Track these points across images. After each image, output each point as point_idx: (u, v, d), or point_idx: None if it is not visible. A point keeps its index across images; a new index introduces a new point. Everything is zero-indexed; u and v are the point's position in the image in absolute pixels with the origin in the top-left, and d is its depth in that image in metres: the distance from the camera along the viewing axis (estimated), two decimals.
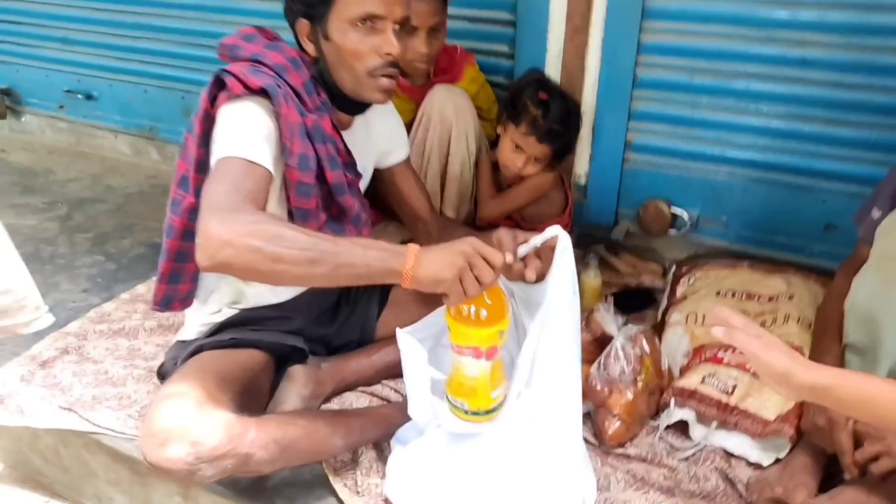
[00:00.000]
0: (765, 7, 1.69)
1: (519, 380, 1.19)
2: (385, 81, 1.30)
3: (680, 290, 1.73)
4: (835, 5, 1.63)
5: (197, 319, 1.45)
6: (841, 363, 1.29)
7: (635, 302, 1.84)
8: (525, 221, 1.92)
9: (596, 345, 1.50)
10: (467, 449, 1.22)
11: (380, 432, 1.33)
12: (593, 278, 1.76)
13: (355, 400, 1.50)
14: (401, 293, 1.58)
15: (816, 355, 1.35)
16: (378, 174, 1.59)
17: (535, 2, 1.92)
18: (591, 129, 1.97)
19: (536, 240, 1.17)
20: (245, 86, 1.19)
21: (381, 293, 1.63)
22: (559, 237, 1.16)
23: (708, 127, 1.85)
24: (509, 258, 1.14)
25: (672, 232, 1.95)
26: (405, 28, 1.30)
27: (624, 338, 1.42)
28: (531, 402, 1.19)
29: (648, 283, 1.90)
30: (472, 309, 1.13)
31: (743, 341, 0.93)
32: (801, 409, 1.32)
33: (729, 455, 1.37)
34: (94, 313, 1.82)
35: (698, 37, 1.78)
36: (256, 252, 1.01)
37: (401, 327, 1.25)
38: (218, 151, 1.16)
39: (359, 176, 1.44)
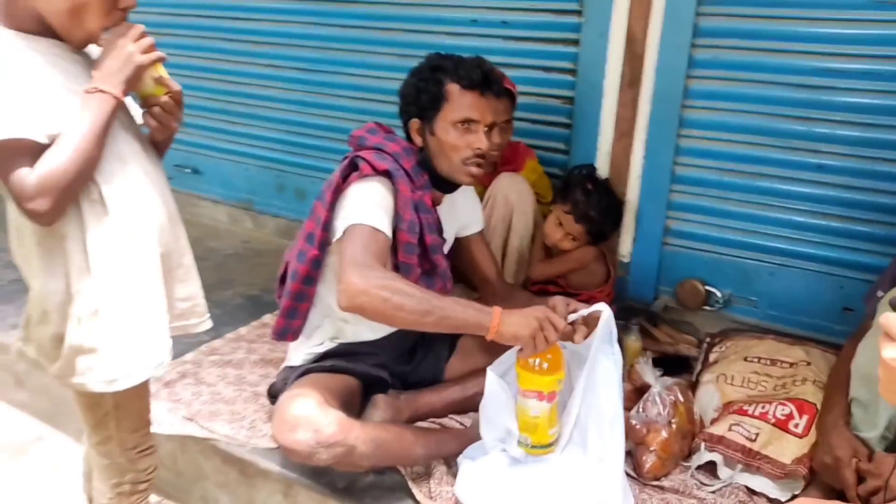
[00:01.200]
0: (784, 121, 2.01)
1: (570, 419, 1.47)
2: (474, 169, 1.66)
3: (712, 356, 1.97)
4: (843, 122, 1.94)
5: (302, 350, 1.76)
6: (848, 415, 1.52)
7: (673, 368, 2.07)
8: (571, 288, 2.20)
9: (636, 393, 1.75)
10: (529, 469, 1.48)
11: (451, 449, 1.59)
12: (634, 341, 2.02)
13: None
14: (467, 342, 1.90)
15: (827, 408, 1.58)
16: (457, 242, 1.91)
17: (588, 110, 2.28)
18: (634, 215, 2.28)
19: (584, 311, 1.49)
20: (373, 168, 1.56)
21: (450, 341, 1.93)
22: (603, 310, 1.47)
23: (737, 218, 2.15)
24: (561, 322, 1.45)
25: (706, 308, 2.21)
26: (492, 130, 1.67)
27: (661, 386, 1.67)
28: (581, 437, 1.46)
29: (684, 351, 2.13)
30: (538, 361, 1.45)
31: None
32: (813, 451, 1.54)
33: (751, 491, 1.58)
34: (206, 347, 2.14)
35: (727, 143, 2.11)
36: (385, 301, 1.36)
37: (464, 371, 1.59)
38: (351, 218, 1.50)
39: (444, 241, 1.78)
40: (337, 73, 2.80)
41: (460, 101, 1.61)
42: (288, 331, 1.73)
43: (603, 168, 2.29)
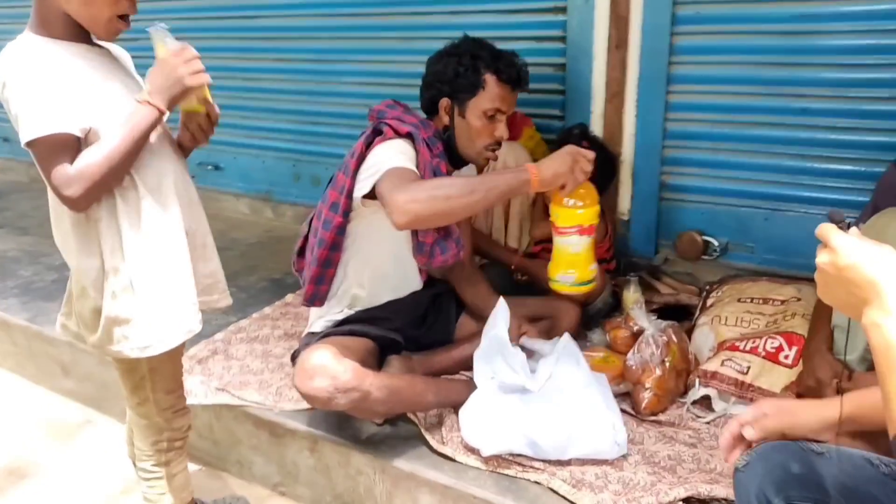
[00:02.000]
0: (767, 69, 2.07)
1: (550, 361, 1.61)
2: (491, 154, 1.81)
3: (709, 301, 2.06)
4: (824, 65, 1.99)
5: (323, 318, 1.89)
6: (830, 340, 1.59)
7: (676, 317, 2.15)
8: None
9: (632, 338, 1.85)
10: (517, 399, 1.60)
11: (461, 396, 1.70)
12: (633, 293, 2.11)
13: None
14: (474, 304, 2.01)
15: (811, 335, 1.66)
16: None
17: (579, 75, 2.37)
18: (630, 173, 2.37)
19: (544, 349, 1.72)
20: (396, 132, 1.69)
21: (457, 303, 2.05)
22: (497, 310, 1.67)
23: (729, 168, 2.22)
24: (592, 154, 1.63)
25: (705, 257, 2.29)
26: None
27: (654, 328, 1.77)
28: (560, 371, 1.59)
29: (686, 300, 2.21)
30: (573, 201, 1.64)
31: None
32: (800, 378, 1.62)
33: None
34: (234, 327, 2.30)
35: (715, 95, 2.18)
36: (434, 198, 1.50)
37: (473, 330, 1.77)
38: (384, 165, 1.59)
39: None
40: (344, 61, 2.93)
41: (495, 92, 1.74)
42: (317, 296, 1.85)
43: (597, 129, 2.38)
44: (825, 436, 1.15)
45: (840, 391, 1.50)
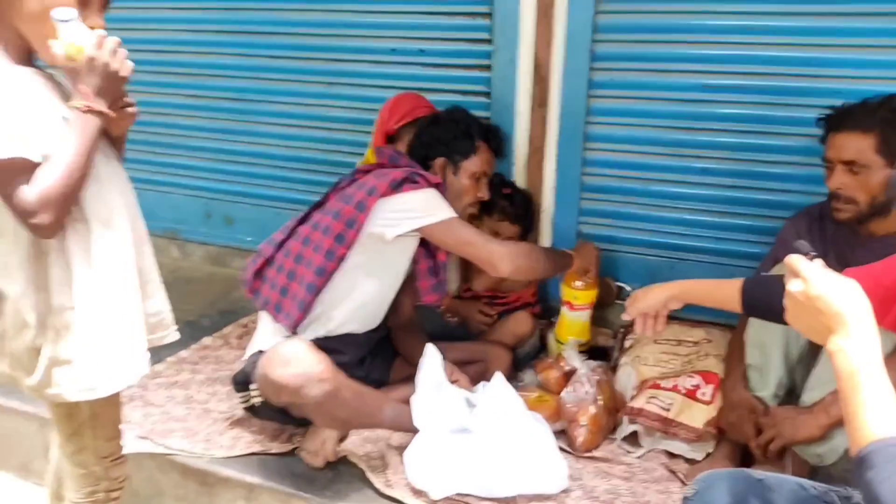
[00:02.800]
0: (672, 132, 2.29)
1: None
2: (472, 211, 2.04)
3: (627, 343, 2.20)
4: (722, 130, 2.24)
5: (275, 336, 1.82)
6: (745, 379, 1.76)
7: (594, 358, 2.28)
8: (501, 292, 2.38)
9: (563, 378, 1.95)
10: (460, 439, 1.63)
11: (411, 423, 1.70)
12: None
13: None
14: (406, 350, 2.05)
15: (727, 374, 1.83)
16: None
17: (503, 129, 2.50)
18: (551, 223, 2.51)
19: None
20: (428, 183, 1.80)
21: (393, 351, 2.07)
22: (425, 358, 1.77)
23: (639, 220, 2.41)
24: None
25: (619, 302, 2.45)
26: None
27: (587, 368, 1.87)
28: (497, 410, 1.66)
29: (602, 342, 2.36)
30: (582, 283, 2.15)
31: None
32: (720, 414, 1.77)
33: (671, 454, 1.79)
34: (150, 372, 2.15)
35: (626, 153, 2.37)
36: (531, 259, 1.94)
37: (408, 373, 1.83)
38: (438, 214, 1.81)
39: None
40: (264, 101, 2.90)
41: (484, 158, 1.99)
42: (302, 323, 1.81)
43: (520, 181, 2.51)
44: (674, 305, 1.52)
45: (757, 425, 1.67)
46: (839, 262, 1.80)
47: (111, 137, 1.35)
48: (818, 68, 2.09)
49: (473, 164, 1.96)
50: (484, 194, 2.00)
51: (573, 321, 2.11)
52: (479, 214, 2.29)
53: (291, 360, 1.58)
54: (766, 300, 1.36)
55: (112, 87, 1.20)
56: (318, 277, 1.75)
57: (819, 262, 0.96)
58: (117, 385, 1.28)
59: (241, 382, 1.77)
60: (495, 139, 2.03)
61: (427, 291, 1.93)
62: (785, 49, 2.11)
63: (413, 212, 1.79)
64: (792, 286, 0.95)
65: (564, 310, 2.18)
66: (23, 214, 1.12)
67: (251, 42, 2.86)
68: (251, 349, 1.84)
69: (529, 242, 2.02)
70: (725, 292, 1.43)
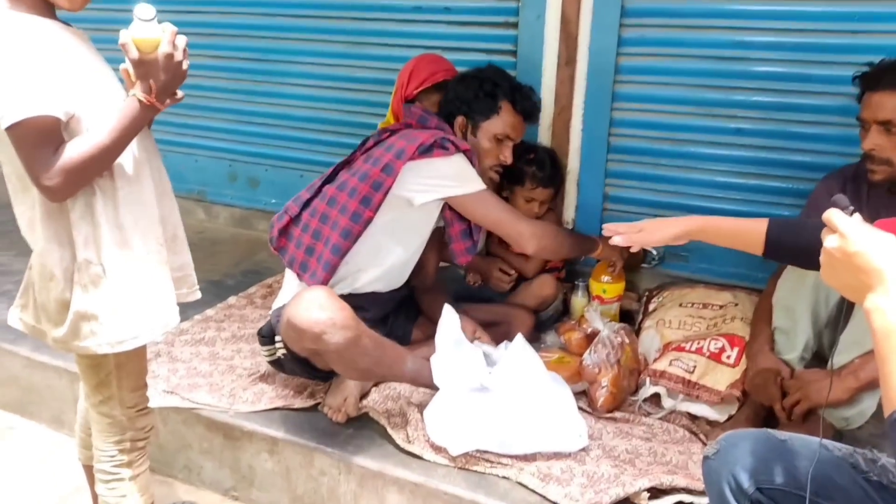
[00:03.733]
0: (705, 91, 2.23)
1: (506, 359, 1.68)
2: (495, 175, 1.97)
3: (651, 306, 2.18)
4: (757, 90, 2.17)
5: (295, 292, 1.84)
6: (771, 342, 1.73)
7: (620, 321, 2.27)
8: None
9: (587, 340, 1.93)
10: (480, 397, 1.63)
11: (431, 378, 1.70)
12: (581, 297, 2.21)
13: None
14: (428, 310, 2.05)
15: (753, 337, 1.79)
16: None
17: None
18: (576, 185, 2.47)
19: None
20: (456, 147, 1.77)
21: (416, 310, 2.07)
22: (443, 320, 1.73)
23: (667, 182, 2.36)
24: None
25: (644, 266, 2.42)
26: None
27: (609, 330, 1.85)
28: (517, 369, 1.65)
29: (627, 306, 2.33)
30: (609, 279, 2.16)
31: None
32: (744, 376, 1.75)
33: (692, 416, 1.78)
34: (175, 329, 2.17)
35: (656, 113, 2.31)
36: (556, 239, 1.90)
37: (428, 334, 1.81)
38: (470, 185, 1.80)
39: None
40: (286, 62, 2.88)
41: (508, 119, 1.90)
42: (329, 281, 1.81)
43: (545, 142, 2.46)
44: (680, 241, 1.47)
45: (783, 388, 1.64)
46: (873, 223, 1.75)
47: None
48: (857, 23, 2.01)
49: (494, 125, 1.90)
50: (507, 158, 1.94)
51: (604, 313, 2.07)
52: (510, 184, 2.26)
53: (314, 305, 1.58)
54: (792, 243, 1.33)
55: (176, 84, 1.21)
56: (344, 240, 1.74)
57: (857, 216, 0.91)
58: (143, 339, 1.30)
59: (267, 336, 1.78)
60: (523, 100, 1.93)
61: (461, 253, 1.91)
62: (822, 3, 2.03)
63: (443, 179, 1.77)
64: (829, 242, 0.91)
65: (595, 303, 2.14)
66: (38, 173, 1.13)
67: (273, 2, 2.83)
68: (276, 304, 1.85)
69: (556, 225, 1.96)
70: (748, 233, 1.37)
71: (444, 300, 1.97)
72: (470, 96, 1.90)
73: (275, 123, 3.00)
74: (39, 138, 1.12)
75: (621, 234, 1.48)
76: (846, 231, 0.88)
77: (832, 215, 0.91)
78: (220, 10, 2.95)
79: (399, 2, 2.60)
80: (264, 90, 2.98)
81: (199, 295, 1.49)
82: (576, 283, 2.28)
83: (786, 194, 2.20)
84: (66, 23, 1.26)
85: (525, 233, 1.83)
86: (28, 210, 1.25)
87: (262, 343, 1.80)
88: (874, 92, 1.63)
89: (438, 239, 1.99)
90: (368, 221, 1.75)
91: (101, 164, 1.18)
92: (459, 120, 1.91)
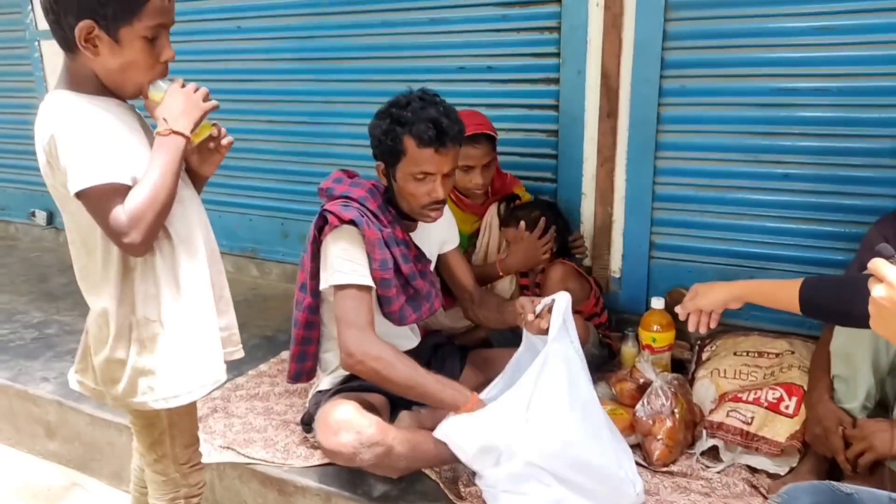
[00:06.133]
0: (749, 138, 2.23)
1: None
2: (433, 213, 1.80)
3: (705, 355, 2.13)
4: (803, 135, 2.16)
5: (329, 375, 1.90)
6: (831, 391, 1.68)
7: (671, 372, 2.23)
8: None
9: (638, 391, 1.90)
10: (537, 467, 1.58)
11: None
12: (631, 347, 2.18)
13: None
14: (476, 357, 2.06)
15: (812, 386, 1.74)
16: (438, 259, 2.06)
17: (571, 141, 2.49)
18: (622, 233, 2.47)
19: (546, 301, 1.71)
20: (340, 219, 1.72)
21: (461, 355, 2.08)
22: (557, 299, 1.67)
23: (715, 229, 2.34)
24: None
25: None
26: (451, 176, 1.79)
27: (662, 380, 1.82)
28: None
29: (678, 355, 2.29)
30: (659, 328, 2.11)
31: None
32: (805, 427, 1.69)
33: (752, 469, 1.72)
34: (230, 384, 2.26)
35: (700, 162, 2.32)
36: (377, 373, 1.64)
37: (476, 384, 1.81)
38: (336, 277, 1.70)
39: (428, 262, 1.95)
40: (336, 123, 3.00)
41: (416, 157, 1.70)
42: (301, 374, 1.90)
43: (589, 192, 2.49)
44: (734, 305, 1.46)
45: (846, 438, 1.58)
46: None
47: (194, 174, 1.44)
48: None
49: (407, 166, 1.72)
50: (437, 194, 1.73)
51: (655, 363, 2.04)
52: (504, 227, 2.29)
53: (342, 427, 1.58)
54: (825, 302, 1.32)
55: (194, 114, 1.29)
56: (297, 329, 1.83)
57: None
58: (197, 394, 1.35)
59: (308, 423, 1.83)
60: (425, 131, 1.66)
61: (397, 320, 1.84)
62: (865, 48, 2.03)
63: (325, 266, 1.74)
64: (876, 291, 0.91)
65: (645, 353, 2.11)
66: (116, 234, 1.20)
67: (323, 68, 2.97)
68: (313, 388, 1.91)
69: (401, 354, 1.69)
70: (785, 293, 1.38)
71: (499, 300, 2.02)
72: (376, 141, 1.77)
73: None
74: (110, 201, 1.20)
75: (680, 309, 1.53)
76: (893, 280, 0.88)
77: (877, 264, 0.91)
78: (272, 79, 3.11)
79: (444, 63, 2.70)
80: (315, 151, 3.11)
81: (242, 354, 1.53)
82: (625, 332, 2.26)
83: (838, 238, 2.16)
84: (121, 99, 1.36)
85: (350, 340, 1.65)
86: (91, 274, 1.32)
87: (306, 431, 1.86)
88: None
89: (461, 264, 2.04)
90: (311, 308, 1.81)
91: (162, 202, 1.22)
92: (378, 166, 1.80)
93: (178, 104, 1.28)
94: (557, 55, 2.45)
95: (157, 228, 1.24)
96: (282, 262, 3.31)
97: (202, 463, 1.51)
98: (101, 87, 1.29)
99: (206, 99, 1.32)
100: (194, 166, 1.43)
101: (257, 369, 2.38)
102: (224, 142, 1.42)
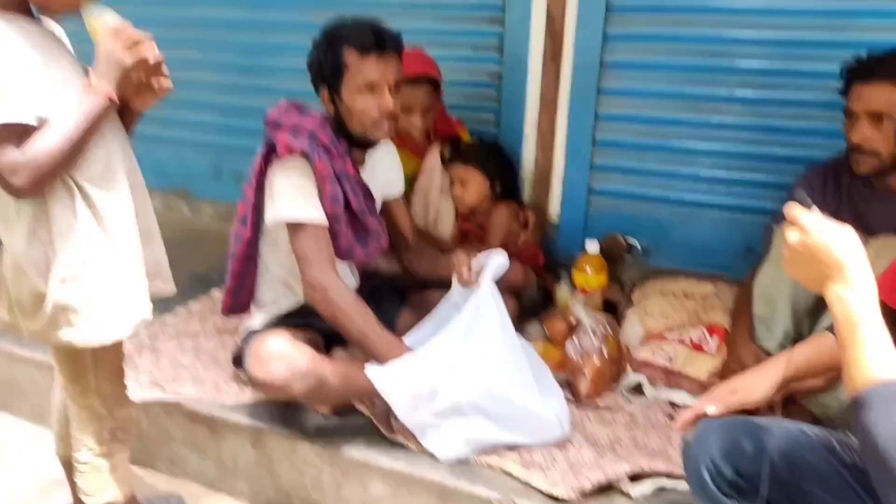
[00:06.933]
0: (689, 86, 2.24)
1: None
2: (385, 127, 1.74)
3: (634, 296, 2.19)
4: (740, 85, 2.19)
5: (261, 314, 1.86)
6: (751, 330, 1.75)
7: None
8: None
9: (569, 330, 1.94)
10: (466, 404, 1.60)
11: None
12: (565, 289, 2.22)
13: None
14: (416, 298, 2.05)
15: (733, 326, 1.81)
16: (382, 204, 2.02)
17: (514, 84, 2.46)
18: (561, 178, 2.48)
19: (482, 258, 1.72)
20: (289, 149, 1.66)
21: (399, 297, 2.07)
22: (491, 255, 1.69)
23: (652, 175, 2.37)
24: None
25: (628, 257, 2.44)
26: (399, 89, 1.75)
27: (591, 320, 1.86)
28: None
29: (611, 297, 2.33)
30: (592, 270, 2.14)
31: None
32: (725, 364, 1.76)
33: (674, 405, 1.79)
34: (159, 322, 2.19)
35: (641, 108, 2.33)
36: (333, 317, 1.62)
37: (414, 323, 1.79)
38: (288, 212, 1.63)
39: (374, 200, 1.91)
40: (273, 56, 2.88)
41: (360, 67, 1.66)
42: (236, 306, 1.86)
43: (530, 136, 2.48)
44: (775, 397, 1.25)
45: None
46: (854, 215, 1.78)
47: (125, 106, 1.34)
48: (839, 20, 2.03)
49: (352, 79, 1.66)
50: (388, 104, 1.68)
51: (587, 304, 2.08)
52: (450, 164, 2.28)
53: (273, 357, 1.55)
54: None
55: (118, 76, 1.21)
56: (235, 262, 1.78)
57: (817, 210, 0.95)
58: (122, 332, 1.30)
59: (239, 361, 1.79)
60: (364, 38, 1.65)
61: (344, 256, 1.79)
62: (803, 0, 2.05)
63: (273, 199, 1.66)
64: (790, 236, 0.95)
65: (578, 294, 2.16)
66: (3, 175, 1.13)
67: None
68: (243, 326, 1.86)
69: (361, 301, 1.66)
70: (826, 347, 1.23)
71: (435, 253, 2.01)
72: (316, 66, 1.73)
73: (261, 118, 2.98)
74: (6, 142, 1.13)
75: (713, 407, 1.27)
76: (807, 225, 0.92)
77: (793, 209, 0.94)
78: (207, 5, 2.94)
79: None
80: (252, 84, 2.98)
81: (173, 288, 1.48)
82: (560, 274, 2.30)
83: (769, 187, 2.22)
84: (38, 18, 1.26)
85: (318, 279, 1.62)
86: (3, 208, 1.24)
87: (237, 368, 1.81)
88: (865, 83, 1.65)
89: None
90: (250, 242, 1.75)
91: (64, 158, 1.17)
92: (322, 94, 1.74)
93: (103, 63, 1.20)
94: None
95: (49, 179, 1.18)
96: (215, 200, 3.20)
97: (129, 398, 1.47)
98: (24, 2, 1.19)
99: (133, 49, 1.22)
100: (126, 97, 1.34)
101: (187, 307, 2.32)
102: (163, 84, 1.32)
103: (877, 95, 1.62)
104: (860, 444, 0.89)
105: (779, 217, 1.85)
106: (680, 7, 2.20)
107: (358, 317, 1.63)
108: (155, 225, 1.44)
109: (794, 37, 2.09)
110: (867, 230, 1.72)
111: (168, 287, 1.48)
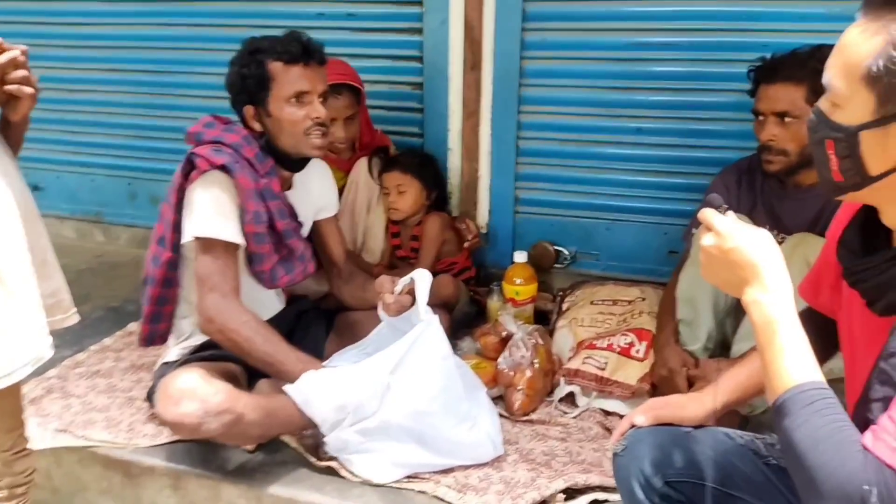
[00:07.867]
0: (607, 92, 2.27)
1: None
2: (317, 139, 1.69)
3: (564, 305, 2.19)
4: (656, 89, 2.22)
5: (178, 345, 1.76)
6: (676, 334, 1.76)
7: (534, 322, 2.27)
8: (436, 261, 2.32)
9: (501, 344, 1.91)
10: (397, 427, 1.55)
11: None
12: (496, 301, 2.20)
13: None
14: (342, 322, 1.99)
15: (659, 330, 1.83)
16: (312, 226, 1.95)
17: (436, 94, 2.43)
18: (488, 189, 2.47)
19: (404, 281, 1.66)
20: (210, 163, 1.58)
21: (326, 321, 2.00)
22: (418, 278, 1.61)
23: (576, 182, 2.39)
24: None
25: (557, 266, 2.44)
26: (325, 99, 1.71)
27: (522, 332, 1.84)
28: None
29: (542, 306, 2.33)
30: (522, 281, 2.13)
31: None
32: (653, 369, 1.77)
33: (606, 413, 1.79)
34: (70, 361, 2.05)
35: (562, 116, 2.34)
36: (235, 345, 1.56)
37: (341, 348, 1.72)
38: (201, 229, 1.56)
39: (300, 224, 1.84)
40: (184, 72, 2.76)
41: (287, 77, 1.63)
42: (155, 335, 1.76)
43: (455, 147, 2.46)
44: (708, 423, 1.21)
45: (690, 378, 1.67)
46: (768, 213, 1.82)
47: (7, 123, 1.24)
48: (747, 22, 2.08)
49: (279, 90, 1.63)
50: (319, 112, 1.66)
51: (519, 315, 2.04)
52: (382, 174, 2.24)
53: (184, 395, 1.42)
54: None
55: None
56: (153, 287, 1.69)
57: (731, 214, 0.94)
58: (18, 375, 1.19)
59: (153, 398, 1.69)
60: (288, 47, 1.63)
61: (268, 280, 1.73)
62: (714, 3, 2.10)
63: (189, 216, 1.59)
64: (705, 240, 0.94)
65: (508, 306, 2.13)
66: None
67: (170, 10, 2.71)
68: (160, 360, 1.77)
69: (262, 323, 1.60)
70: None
71: (365, 281, 1.92)
72: (239, 81, 1.67)
73: (176, 137, 2.85)
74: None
75: (641, 417, 1.22)
76: (720, 229, 0.91)
77: (706, 214, 0.93)
78: (113, 22, 2.80)
79: (301, 8, 2.53)
80: (165, 103, 2.85)
81: (76, 318, 1.37)
82: (491, 286, 2.27)
83: (687, 189, 2.26)
84: None
85: (208, 304, 1.56)
86: None
87: (151, 406, 1.70)
88: (770, 84, 1.70)
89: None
90: (169, 263, 1.66)
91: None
92: (247, 111, 1.68)
93: None
94: (420, 3, 2.37)
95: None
96: (131, 225, 3.04)
97: (29, 449, 1.36)
98: None
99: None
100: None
101: (101, 343, 2.18)
102: (25, 91, 1.21)
103: (781, 95, 1.67)
104: (782, 448, 0.89)
105: (696, 221, 1.90)
106: (594, 14, 2.22)
107: (259, 338, 1.56)
108: (52, 255, 1.33)
109: (703, 40, 2.14)
110: (782, 227, 1.78)
111: (71, 318, 1.37)
